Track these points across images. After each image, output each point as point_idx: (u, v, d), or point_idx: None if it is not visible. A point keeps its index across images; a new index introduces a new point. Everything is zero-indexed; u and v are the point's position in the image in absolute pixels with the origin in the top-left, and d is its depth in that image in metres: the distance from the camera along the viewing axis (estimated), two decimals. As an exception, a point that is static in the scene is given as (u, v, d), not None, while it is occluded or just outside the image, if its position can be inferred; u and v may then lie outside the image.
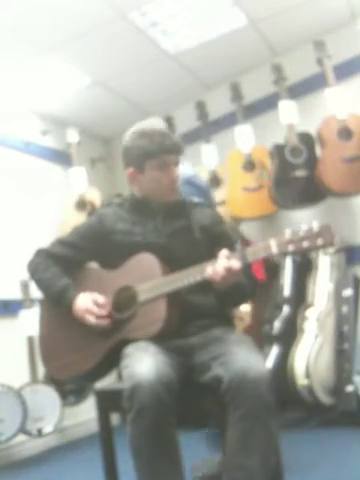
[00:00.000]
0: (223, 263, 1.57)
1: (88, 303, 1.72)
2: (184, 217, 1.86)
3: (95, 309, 1.71)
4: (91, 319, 1.70)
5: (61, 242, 1.88)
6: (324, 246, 1.49)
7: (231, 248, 1.71)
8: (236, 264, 1.56)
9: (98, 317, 1.70)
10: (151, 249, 1.73)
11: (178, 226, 1.83)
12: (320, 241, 1.47)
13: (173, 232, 1.82)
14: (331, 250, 3.23)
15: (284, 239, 1.51)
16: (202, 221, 1.87)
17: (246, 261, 1.56)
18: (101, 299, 1.73)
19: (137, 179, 1.85)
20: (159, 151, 1.77)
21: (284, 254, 1.55)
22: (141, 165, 1.81)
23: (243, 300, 1.91)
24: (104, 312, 1.71)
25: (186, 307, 1.69)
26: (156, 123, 1.90)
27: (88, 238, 1.86)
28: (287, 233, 1.51)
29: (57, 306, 1.78)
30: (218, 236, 1.86)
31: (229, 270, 1.56)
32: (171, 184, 1.82)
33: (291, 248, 1.50)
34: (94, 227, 1.87)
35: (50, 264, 1.83)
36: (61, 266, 1.83)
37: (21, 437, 3.14)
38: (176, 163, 1.82)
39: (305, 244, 1.49)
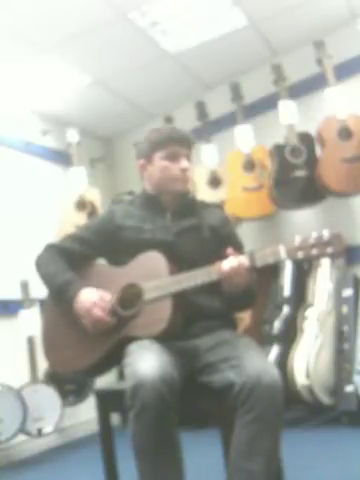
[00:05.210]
0: (233, 260, 1.56)
1: (95, 297, 1.70)
2: (194, 216, 1.86)
3: (102, 303, 1.69)
4: (98, 312, 1.67)
5: (71, 237, 1.89)
6: (333, 255, 1.49)
7: (239, 250, 1.71)
8: (245, 261, 1.55)
9: (105, 312, 1.68)
10: (159, 247, 1.73)
11: (187, 225, 1.83)
12: (330, 250, 1.47)
13: (182, 230, 1.82)
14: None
15: (293, 246, 1.50)
16: (211, 221, 1.87)
17: (254, 265, 1.55)
18: (107, 296, 1.71)
19: (147, 170, 1.87)
20: (167, 141, 1.81)
21: (292, 260, 1.55)
22: (150, 156, 1.84)
23: (251, 304, 1.89)
24: (109, 308, 1.70)
25: (191, 308, 1.69)
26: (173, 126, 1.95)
27: (99, 234, 1.86)
28: (297, 239, 1.50)
29: (58, 300, 1.77)
30: (226, 237, 1.86)
31: (240, 266, 1.55)
32: (181, 174, 1.82)
33: (300, 255, 1.50)
34: (105, 223, 1.88)
35: (57, 258, 1.82)
36: (69, 261, 1.82)
37: (21, 437, 3.13)
38: (186, 155, 1.84)
39: (314, 252, 1.48)
